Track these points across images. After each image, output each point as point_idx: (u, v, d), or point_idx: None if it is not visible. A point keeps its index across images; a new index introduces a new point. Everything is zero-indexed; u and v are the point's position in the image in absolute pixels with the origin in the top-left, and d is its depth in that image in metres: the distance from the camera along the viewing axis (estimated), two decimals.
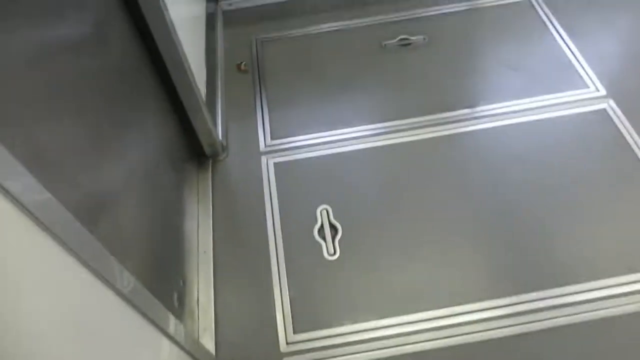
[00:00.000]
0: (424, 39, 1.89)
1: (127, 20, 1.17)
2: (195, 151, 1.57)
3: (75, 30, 0.92)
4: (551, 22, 1.89)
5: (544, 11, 1.93)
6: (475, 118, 1.64)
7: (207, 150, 1.57)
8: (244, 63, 1.87)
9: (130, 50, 1.20)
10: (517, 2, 1.98)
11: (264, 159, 1.60)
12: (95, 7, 1.02)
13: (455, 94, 1.72)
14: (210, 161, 1.60)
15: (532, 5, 1.96)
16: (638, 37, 1.86)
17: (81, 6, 0.96)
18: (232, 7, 2.05)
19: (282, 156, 1.61)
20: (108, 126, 0.99)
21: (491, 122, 1.63)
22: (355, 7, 2.03)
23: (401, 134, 1.63)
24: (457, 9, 2.00)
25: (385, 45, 1.89)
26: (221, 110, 1.68)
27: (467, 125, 1.63)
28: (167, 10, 1.20)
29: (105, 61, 1.03)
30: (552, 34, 1.86)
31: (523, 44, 1.85)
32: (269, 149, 1.63)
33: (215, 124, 1.57)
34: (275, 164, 1.59)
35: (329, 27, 1.97)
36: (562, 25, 1.87)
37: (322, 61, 1.87)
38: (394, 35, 1.91)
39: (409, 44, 1.89)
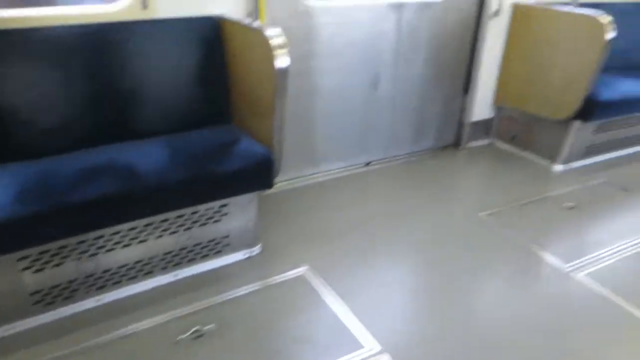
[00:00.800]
0: (215, 327, 1.95)
1: None
2: None
3: None
4: (324, 290, 2.13)
5: (317, 281, 2.18)
6: None
7: None
8: None
9: None
10: (295, 277, 2.22)
11: None
12: None
13: None
14: None
15: (306, 278, 2.21)
16: (403, 291, 2.15)
17: None
18: None
19: None
20: None
21: None
22: (147, 305, 2.06)
23: None
24: (249, 290, 2.14)
25: (178, 340, 1.90)
26: None
27: None
28: None
29: None
30: (325, 301, 2.07)
31: (304, 316, 2.01)
32: None
33: None
34: None
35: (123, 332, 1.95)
36: (335, 291, 2.11)
37: None
38: (187, 329, 1.94)
39: (202, 335, 1.93)
